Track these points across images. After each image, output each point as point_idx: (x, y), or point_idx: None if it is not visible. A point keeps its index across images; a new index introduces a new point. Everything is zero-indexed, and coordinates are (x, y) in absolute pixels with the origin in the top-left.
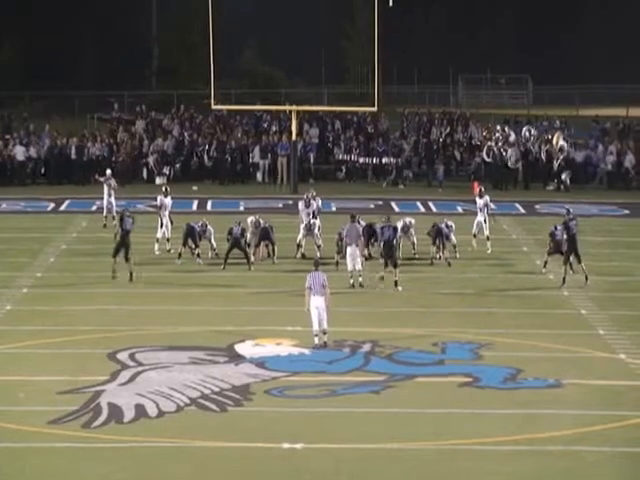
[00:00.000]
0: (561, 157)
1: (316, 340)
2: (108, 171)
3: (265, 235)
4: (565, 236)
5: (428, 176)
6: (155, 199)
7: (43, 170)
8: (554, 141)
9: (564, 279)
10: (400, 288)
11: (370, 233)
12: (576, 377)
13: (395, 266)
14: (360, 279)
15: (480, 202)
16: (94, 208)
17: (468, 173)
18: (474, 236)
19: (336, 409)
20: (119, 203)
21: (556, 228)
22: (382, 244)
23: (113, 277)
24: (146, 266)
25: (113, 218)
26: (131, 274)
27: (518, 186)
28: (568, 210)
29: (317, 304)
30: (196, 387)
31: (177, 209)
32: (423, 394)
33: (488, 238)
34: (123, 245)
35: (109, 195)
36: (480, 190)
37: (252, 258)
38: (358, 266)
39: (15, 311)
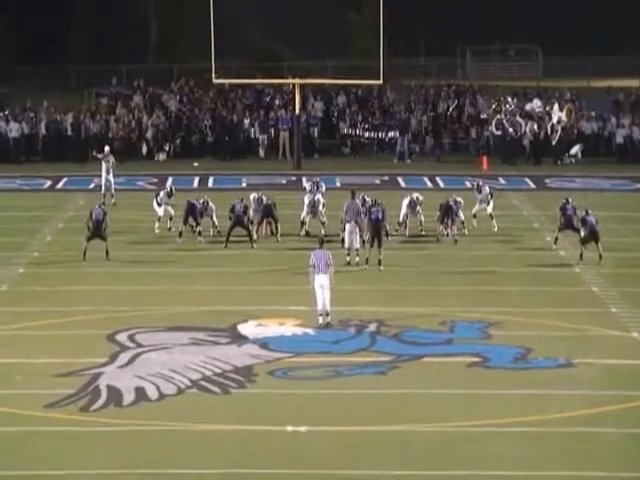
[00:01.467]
0: (559, 130)
1: (320, 320)
2: (106, 148)
3: (268, 212)
4: (583, 226)
5: (434, 150)
6: (155, 176)
7: (40, 147)
8: (553, 114)
9: (581, 255)
10: (382, 267)
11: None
12: (587, 356)
13: (380, 245)
14: (357, 258)
15: (481, 196)
16: (92, 186)
17: (476, 147)
18: (474, 216)
19: (341, 391)
20: (118, 180)
21: (567, 202)
22: (369, 223)
23: (84, 259)
24: (147, 245)
25: (112, 196)
26: (107, 252)
27: (528, 161)
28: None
29: (322, 282)
30: (197, 369)
31: (178, 186)
32: (430, 375)
33: (492, 216)
34: (97, 235)
35: (107, 172)
36: (478, 185)
37: (255, 236)
38: (356, 244)
39: (11, 292)
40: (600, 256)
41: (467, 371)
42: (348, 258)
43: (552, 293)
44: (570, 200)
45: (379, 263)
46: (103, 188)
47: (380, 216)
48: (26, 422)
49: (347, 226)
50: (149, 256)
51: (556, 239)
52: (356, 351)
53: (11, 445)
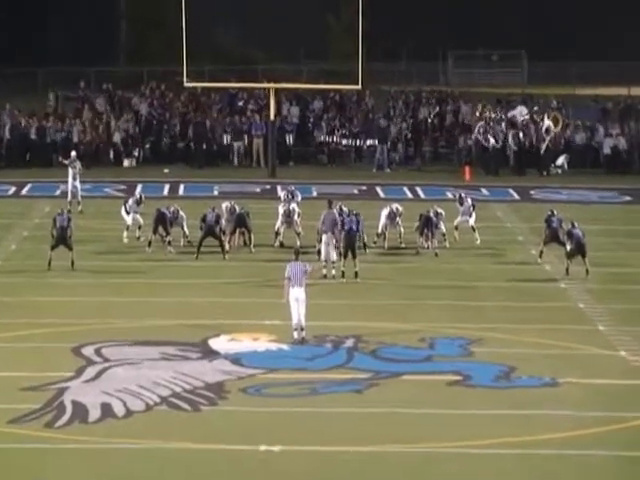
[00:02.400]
0: (547, 139)
1: (295, 334)
2: (73, 153)
3: (241, 222)
4: (569, 240)
5: (415, 159)
6: (123, 183)
7: (4, 151)
8: (541, 122)
9: (567, 269)
10: (359, 280)
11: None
12: (573, 375)
13: (354, 257)
14: (333, 271)
15: (462, 208)
16: (58, 192)
17: (459, 157)
18: (455, 228)
19: (317, 409)
20: (84, 187)
21: (553, 214)
22: (343, 234)
23: (49, 268)
24: (114, 255)
25: (78, 203)
26: (72, 262)
27: (512, 171)
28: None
29: (297, 296)
30: (167, 385)
31: (147, 194)
32: (409, 393)
33: (474, 229)
34: (61, 242)
35: (74, 179)
36: (460, 196)
37: (227, 247)
38: (333, 256)
39: None
40: (587, 271)
41: (447, 390)
42: (324, 271)
43: (537, 309)
44: (555, 212)
45: (355, 275)
46: (69, 195)
47: (355, 227)
48: None
49: (323, 237)
50: (117, 266)
51: (541, 252)
52: (332, 368)
53: None
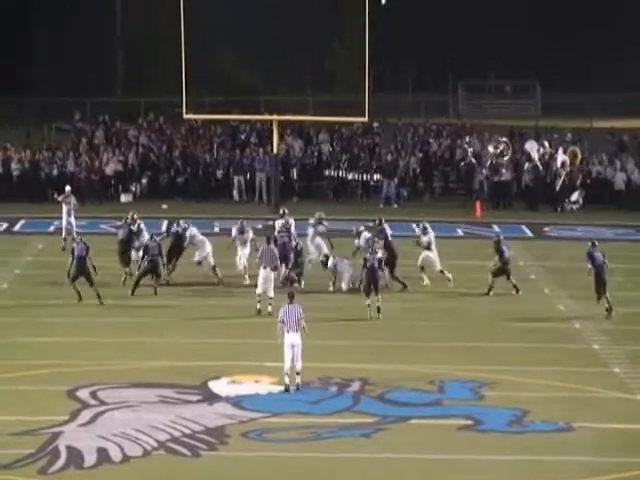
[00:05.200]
0: (564, 174)
1: (287, 380)
2: (67, 188)
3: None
4: (593, 268)
5: (424, 195)
6: (120, 219)
7: None
8: (557, 157)
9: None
10: (381, 316)
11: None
12: (589, 420)
13: (377, 293)
14: (269, 308)
15: (424, 239)
16: (52, 229)
17: (469, 192)
18: (422, 269)
19: (321, 454)
20: (79, 223)
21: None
22: (365, 271)
23: (79, 300)
24: (109, 293)
25: (73, 240)
26: (98, 296)
27: (524, 206)
28: (593, 242)
29: (292, 341)
30: (165, 429)
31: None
32: (418, 438)
33: (442, 272)
34: (81, 273)
35: (68, 214)
36: (424, 227)
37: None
38: (270, 293)
39: None
40: (608, 309)
41: (458, 435)
42: (259, 306)
43: (550, 350)
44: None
45: (378, 311)
46: (64, 231)
47: (375, 264)
48: None
49: (262, 272)
50: (113, 305)
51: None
52: (337, 412)
53: None
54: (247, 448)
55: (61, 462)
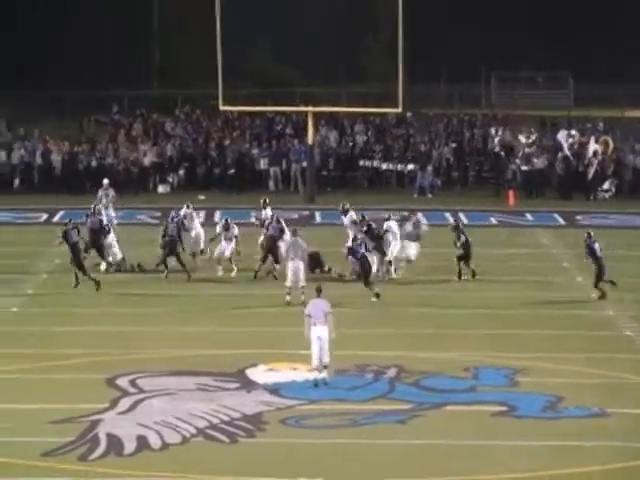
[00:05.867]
0: (596, 163)
1: (317, 374)
2: (105, 180)
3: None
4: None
5: (458, 184)
6: (157, 209)
7: (36, 178)
8: (589, 146)
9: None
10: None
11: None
12: (622, 406)
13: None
14: (302, 297)
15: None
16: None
17: (502, 181)
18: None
19: (358, 440)
20: (118, 215)
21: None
22: (359, 263)
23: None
24: (148, 283)
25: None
26: (96, 282)
27: (557, 195)
28: (589, 234)
29: (319, 334)
30: (203, 416)
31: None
32: (453, 424)
33: (391, 262)
34: (75, 258)
35: (106, 207)
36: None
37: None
38: (302, 282)
39: (4, 332)
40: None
41: (492, 421)
42: (288, 298)
43: (584, 337)
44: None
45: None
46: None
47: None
48: (23, 472)
49: (290, 264)
50: (151, 295)
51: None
52: (373, 398)
53: None
54: (285, 435)
55: (101, 449)
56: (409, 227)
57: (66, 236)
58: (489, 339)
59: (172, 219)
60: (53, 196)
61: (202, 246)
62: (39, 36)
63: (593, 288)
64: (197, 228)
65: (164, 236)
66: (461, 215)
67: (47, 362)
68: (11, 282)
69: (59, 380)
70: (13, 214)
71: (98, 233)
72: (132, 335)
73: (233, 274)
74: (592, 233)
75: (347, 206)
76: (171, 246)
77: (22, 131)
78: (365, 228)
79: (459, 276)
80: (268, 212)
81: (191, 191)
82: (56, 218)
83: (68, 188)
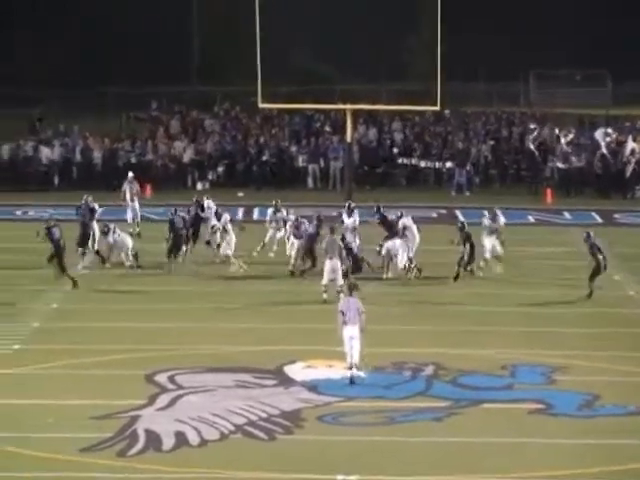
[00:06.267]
0: (634, 161)
1: (350, 373)
2: (130, 174)
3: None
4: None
5: (496, 182)
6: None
7: (75, 174)
8: (626, 144)
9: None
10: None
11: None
12: None
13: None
14: (340, 296)
15: (494, 225)
16: (130, 216)
17: (540, 179)
18: (494, 257)
19: (395, 438)
20: (156, 211)
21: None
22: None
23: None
24: (182, 279)
25: (137, 225)
26: (74, 281)
27: (594, 193)
28: (588, 233)
29: (351, 333)
30: (242, 413)
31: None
32: (490, 422)
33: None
34: (57, 256)
35: (132, 200)
36: (494, 213)
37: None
38: (340, 281)
39: (43, 328)
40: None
41: (529, 418)
42: (325, 296)
43: (620, 335)
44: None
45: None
46: (129, 216)
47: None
48: (62, 467)
49: (327, 262)
50: (186, 291)
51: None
52: (411, 396)
53: None
54: (322, 432)
55: (140, 445)
56: (487, 221)
57: (49, 233)
58: (526, 337)
59: (176, 211)
60: (93, 192)
61: (218, 240)
62: (82, 35)
63: (589, 282)
64: (214, 220)
65: (175, 231)
66: (498, 213)
67: (86, 358)
68: (51, 278)
69: (98, 376)
70: (52, 210)
71: (87, 226)
72: (171, 332)
73: (233, 269)
74: (592, 233)
75: (353, 205)
76: (178, 241)
77: (62, 127)
78: (380, 218)
79: (455, 277)
80: (284, 213)
81: (230, 188)
82: (95, 215)
83: (107, 184)
